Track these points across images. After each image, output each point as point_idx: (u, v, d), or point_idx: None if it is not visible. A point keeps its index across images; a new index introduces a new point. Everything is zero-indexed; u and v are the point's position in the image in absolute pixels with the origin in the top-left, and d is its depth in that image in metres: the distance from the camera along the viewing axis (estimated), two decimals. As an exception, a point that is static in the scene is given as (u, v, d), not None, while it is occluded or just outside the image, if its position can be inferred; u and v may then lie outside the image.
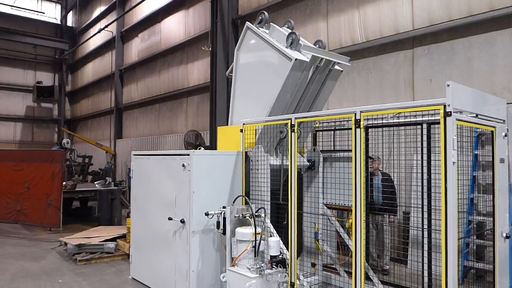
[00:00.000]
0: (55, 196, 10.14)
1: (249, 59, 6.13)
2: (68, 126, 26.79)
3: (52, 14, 27.56)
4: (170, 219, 5.54)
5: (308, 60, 5.48)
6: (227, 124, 6.42)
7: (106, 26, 19.19)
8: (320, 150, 6.02)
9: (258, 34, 5.91)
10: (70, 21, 27.87)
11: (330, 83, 6.09)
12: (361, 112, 4.19)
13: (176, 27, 16.25)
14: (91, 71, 24.58)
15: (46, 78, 26.64)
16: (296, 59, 5.27)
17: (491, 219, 4.33)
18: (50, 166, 10.41)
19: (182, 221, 5.38)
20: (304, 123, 5.29)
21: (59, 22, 27.73)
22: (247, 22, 6.20)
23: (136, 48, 19.37)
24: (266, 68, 5.74)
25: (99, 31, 19.83)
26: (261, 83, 5.84)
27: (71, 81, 27.81)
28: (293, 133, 4.89)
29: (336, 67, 6.00)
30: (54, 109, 27.11)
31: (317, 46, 6.15)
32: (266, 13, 6.10)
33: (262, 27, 6.07)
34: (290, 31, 5.97)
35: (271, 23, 6.13)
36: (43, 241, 9.46)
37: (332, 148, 6.31)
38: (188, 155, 5.41)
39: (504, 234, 4.32)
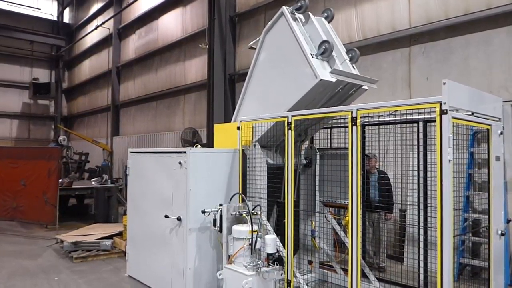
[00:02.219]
0: (52, 194, 10.12)
1: (273, 51, 5.59)
2: (65, 123, 26.67)
3: (48, 10, 27.39)
4: (166, 216, 5.53)
5: (334, 81, 5.00)
6: (231, 121, 6.33)
7: (103, 23, 19.10)
8: (317, 148, 6.02)
9: (290, 27, 5.28)
10: (66, 18, 27.72)
11: (351, 99, 5.69)
12: (357, 110, 4.20)
13: (174, 24, 16.20)
14: (88, 68, 24.49)
15: (43, 75, 26.50)
16: (321, 80, 4.82)
17: (487, 216, 4.35)
18: (47, 163, 10.38)
19: (179, 219, 5.37)
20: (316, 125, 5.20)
21: (55, 19, 27.56)
22: (284, 6, 5.47)
23: (133, 45, 19.31)
24: (288, 72, 5.30)
25: (96, 28, 19.72)
26: (277, 86, 5.42)
27: (67, 78, 27.68)
28: (290, 131, 4.89)
29: (363, 86, 5.54)
30: (51, 106, 26.97)
31: (350, 55, 5.56)
32: (306, 0, 5.41)
33: (300, 14, 5.50)
34: (327, 27, 5.51)
35: (309, 13, 5.54)
36: (39, 239, 9.44)
37: (329, 146, 6.32)
38: (185, 152, 5.40)
39: (499, 232, 4.34)
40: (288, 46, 5.30)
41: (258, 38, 5.91)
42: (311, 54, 5.06)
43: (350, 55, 5.58)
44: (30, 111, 26.09)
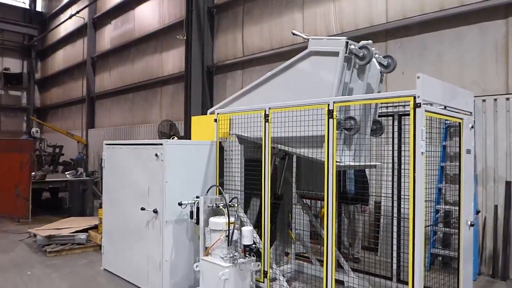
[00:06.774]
0: (24, 187, 9.88)
1: (307, 74, 4.97)
2: (38, 115, 25.92)
3: (20, -2, 26.53)
4: (143, 209, 5.48)
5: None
6: (207, 113, 6.25)
7: (78, 12, 18.60)
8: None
9: (334, 78, 4.59)
10: (39, 6, 26.86)
11: None
12: (334, 102, 4.24)
13: (151, 15, 15.93)
14: (62, 58, 23.84)
15: (14, 65, 25.67)
16: None
17: (457, 208, 4.48)
18: (18, 156, 10.13)
19: (155, 211, 5.33)
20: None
21: (27, 7, 26.67)
22: (344, 46, 4.58)
23: (109, 36, 18.89)
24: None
25: (70, 17, 19.21)
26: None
27: (40, 68, 26.87)
28: (267, 123, 4.90)
29: None
30: (23, 97, 26.19)
31: (374, 127, 4.91)
32: (371, 50, 4.64)
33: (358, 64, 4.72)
34: (377, 83, 4.83)
35: (367, 67, 4.74)
36: (10, 233, 9.19)
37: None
38: (161, 144, 5.35)
39: (469, 222, 4.48)
40: (322, 88, 4.69)
41: (307, 37, 5.08)
42: None
43: (374, 126, 4.90)
44: (1, 102, 25.25)
